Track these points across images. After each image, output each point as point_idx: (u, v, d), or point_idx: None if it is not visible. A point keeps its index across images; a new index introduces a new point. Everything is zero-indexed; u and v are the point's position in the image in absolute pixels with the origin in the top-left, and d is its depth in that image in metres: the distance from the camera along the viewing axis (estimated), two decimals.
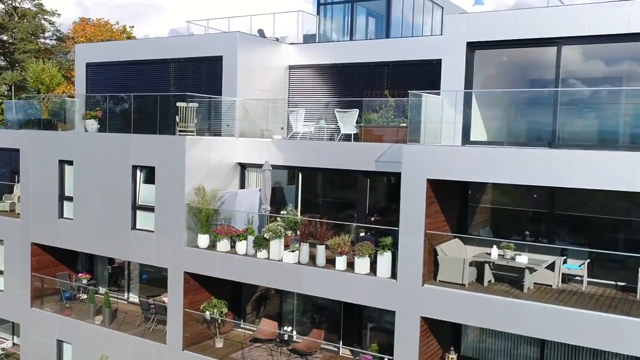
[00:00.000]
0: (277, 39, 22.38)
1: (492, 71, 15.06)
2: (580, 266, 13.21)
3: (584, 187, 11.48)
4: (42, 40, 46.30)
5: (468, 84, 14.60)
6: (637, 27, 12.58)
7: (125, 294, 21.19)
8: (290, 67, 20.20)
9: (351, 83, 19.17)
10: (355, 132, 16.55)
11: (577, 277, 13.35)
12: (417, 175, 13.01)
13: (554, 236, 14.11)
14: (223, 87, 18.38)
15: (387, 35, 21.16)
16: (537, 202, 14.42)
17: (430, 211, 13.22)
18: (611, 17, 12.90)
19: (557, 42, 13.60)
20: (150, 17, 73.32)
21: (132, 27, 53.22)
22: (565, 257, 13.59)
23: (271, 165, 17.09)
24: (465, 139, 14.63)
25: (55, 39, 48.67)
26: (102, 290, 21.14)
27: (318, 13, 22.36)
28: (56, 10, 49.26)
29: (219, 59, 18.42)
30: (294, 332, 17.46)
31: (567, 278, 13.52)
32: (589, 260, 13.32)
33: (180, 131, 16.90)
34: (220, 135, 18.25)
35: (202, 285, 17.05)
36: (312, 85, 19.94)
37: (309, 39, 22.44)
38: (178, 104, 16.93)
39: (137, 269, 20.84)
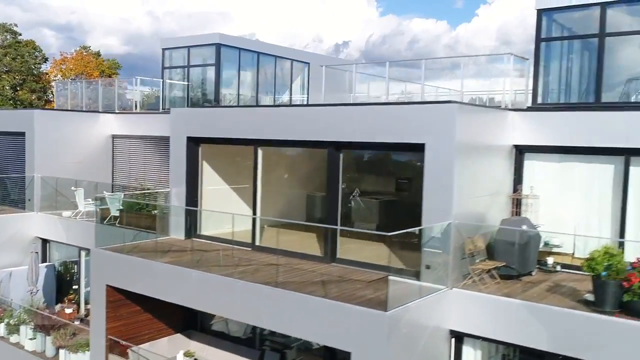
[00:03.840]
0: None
1: (218, 163, 14.87)
2: None
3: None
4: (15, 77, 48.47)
5: (193, 174, 14.46)
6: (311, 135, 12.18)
7: None
8: (114, 137, 20.50)
9: (159, 156, 19.25)
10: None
11: None
12: (98, 279, 13.01)
13: None
14: (26, 162, 18.85)
15: (217, 101, 21.15)
16: None
17: (119, 314, 13.14)
18: (296, 124, 12.52)
19: (255, 143, 13.30)
20: (218, 25, 76.66)
21: (113, 60, 55.66)
22: None
23: (61, 242, 17.46)
24: (191, 233, 14.49)
25: (31, 75, 50.85)
26: None
27: (162, 77, 22.58)
28: (37, 45, 51.79)
29: (22, 135, 18.90)
30: None
31: None
32: None
33: None
34: (24, 209, 18.79)
35: None
36: (134, 155, 20.15)
37: (157, 101, 22.76)
38: None
39: None
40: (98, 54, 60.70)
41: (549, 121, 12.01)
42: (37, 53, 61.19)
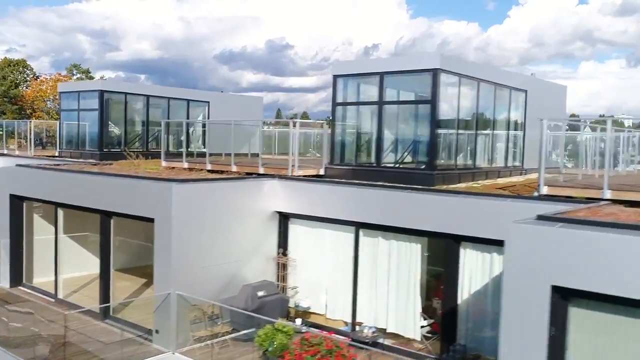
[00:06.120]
0: None
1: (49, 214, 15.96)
2: None
3: None
4: None
5: (18, 228, 15.62)
6: None
7: None
8: None
9: None
10: None
11: None
12: None
13: None
14: None
15: (101, 146, 22.31)
16: None
17: None
18: (80, 190, 13.60)
19: (53, 204, 14.40)
20: (248, 29, 79.28)
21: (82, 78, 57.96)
22: None
23: None
24: (17, 282, 15.64)
25: (7, 97, 53.12)
26: None
27: (60, 120, 23.88)
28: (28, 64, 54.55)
29: None
30: None
31: None
32: None
33: None
34: None
35: None
36: None
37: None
38: None
39: None
40: (87, 72, 63.00)
41: (303, 190, 12.86)
42: (27, 71, 63.85)
